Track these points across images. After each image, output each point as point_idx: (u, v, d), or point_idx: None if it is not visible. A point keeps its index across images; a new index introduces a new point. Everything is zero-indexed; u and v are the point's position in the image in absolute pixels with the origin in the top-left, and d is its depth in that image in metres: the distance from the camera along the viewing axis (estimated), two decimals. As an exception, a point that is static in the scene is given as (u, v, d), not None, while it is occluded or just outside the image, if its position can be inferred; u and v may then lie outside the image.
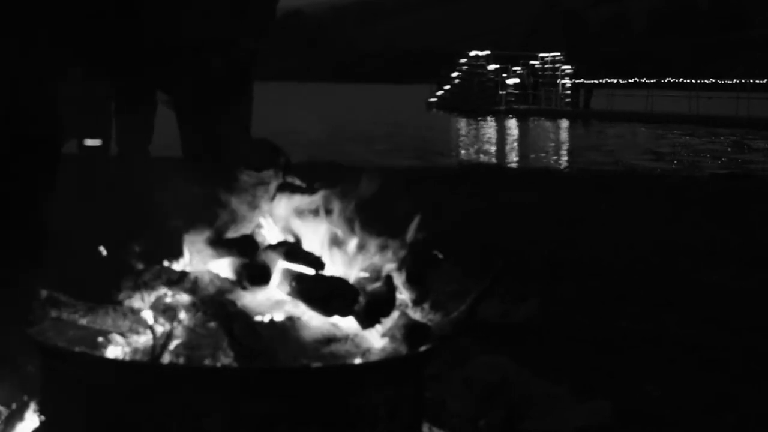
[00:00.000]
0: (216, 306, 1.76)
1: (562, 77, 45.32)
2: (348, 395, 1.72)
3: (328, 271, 1.88)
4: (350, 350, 1.77)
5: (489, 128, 33.42)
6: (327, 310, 1.81)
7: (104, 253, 1.90)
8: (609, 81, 49.25)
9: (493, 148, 23.75)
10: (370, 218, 1.96)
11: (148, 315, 1.79)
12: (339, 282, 1.84)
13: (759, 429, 2.76)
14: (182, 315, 1.76)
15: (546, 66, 46.10)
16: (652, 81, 51.80)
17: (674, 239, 6.05)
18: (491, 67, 46.40)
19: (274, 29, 3.19)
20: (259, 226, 1.96)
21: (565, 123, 36.51)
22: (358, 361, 1.76)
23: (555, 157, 20.59)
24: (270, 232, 1.96)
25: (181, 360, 1.69)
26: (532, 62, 46.32)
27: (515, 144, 26.43)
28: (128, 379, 1.68)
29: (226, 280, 1.84)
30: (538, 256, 5.16)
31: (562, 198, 8.10)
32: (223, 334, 1.71)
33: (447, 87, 48.64)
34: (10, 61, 2.73)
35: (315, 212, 1.97)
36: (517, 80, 45.36)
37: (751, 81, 46.70)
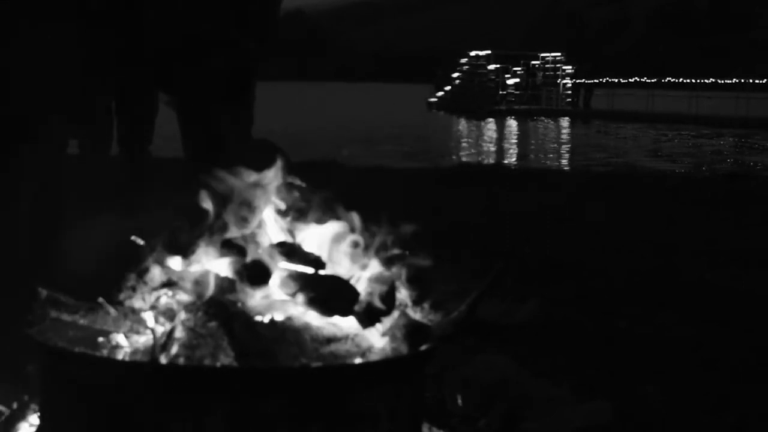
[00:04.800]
0: (216, 306, 1.76)
1: (563, 77, 45.35)
2: (348, 395, 1.72)
3: (328, 271, 1.88)
4: (350, 350, 1.77)
5: (489, 128, 33.42)
6: (327, 310, 1.81)
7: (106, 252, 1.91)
8: (609, 81, 49.29)
9: (493, 148, 23.76)
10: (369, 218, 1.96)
11: (148, 315, 1.79)
12: (339, 282, 1.84)
13: (759, 429, 2.76)
14: (182, 315, 1.76)
15: (546, 66, 46.11)
16: (652, 81, 51.83)
17: (674, 239, 6.04)
18: (492, 66, 46.40)
19: (277, 32, 3.19)
20: (259, 226, 1.96)
21: (565, 123, 36.53)
22: (358, 360, 1.76)
23: (555, 157, 20.60)
24: (270, 232, 1.96)
25: (181, 360, 1.69)
26: (533, 62, 46.32)
27: (516, 144, 26.44)
28: (128, 379, 1.68)
29: (226, 280, 1.84)
30: (538, 257, 5.16)
31: (563, 198, 8.09)
32: (223, 334, 1.71)
33: (447, 87, 48.64)
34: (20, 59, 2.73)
35: (315, 212, 1.97)
36: (517, 80, 45.38)
37: (751, 81, 46.79)
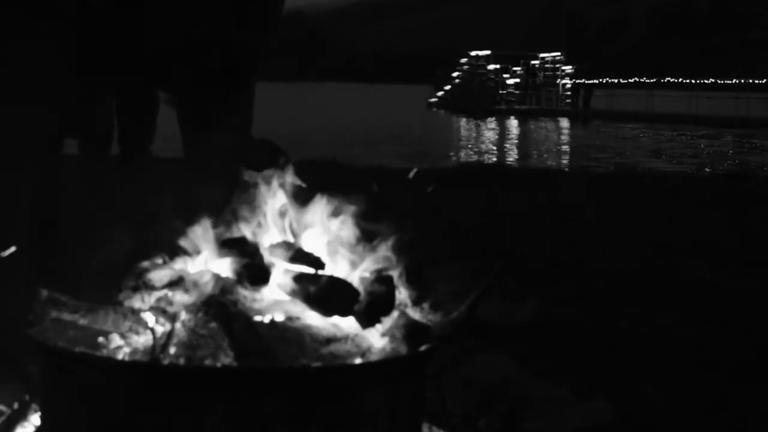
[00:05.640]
0: (217, 306, 1.76)
1: (563, 77, 45.37)
2: (348, 395, 1.72)
3: (328, 271, 1.88)
4: (350, 350, 1.77)
5: (489, 128, 33.42)
6: (327, 310, 1.81)
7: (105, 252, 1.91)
8: (609, 81, 49.35)
9: (493, 148, 23.76)
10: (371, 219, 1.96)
11: (148, 315, 1.79)
12: (339, 282, 1.84)
13: (759, 429, 2.76)
14: (182, 315, 1.76)
15: (546, 66, 46.12)
16: (652, 81, 51.91)
17: (674, 239, 6.04)
18: (492, 67, 46.42)
19: (278, 31, 3.19)
20: (259, 226, 1.96)
21: (565, 123, 36.53)
22: (358, 361, 1.76)
23: (555, 157, 20.60)
24: (270, 232, 1.96)
25: (182, 360, 1.69)
26: (533, 62, 46.35)
27: (516, 144, 26.44)
28: (128, 379, 1.68)
29: (226, 280, 1.84)
30: (538, 256, 5.16)
31: (562, 198, 8.09)
32: (223, 334, 1.71)
33: (447, 87, 48.68)
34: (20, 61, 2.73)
35: (316, 213, 1.97)
36: (517, 80, 45.40)
37: (751, 81, 46.88)
